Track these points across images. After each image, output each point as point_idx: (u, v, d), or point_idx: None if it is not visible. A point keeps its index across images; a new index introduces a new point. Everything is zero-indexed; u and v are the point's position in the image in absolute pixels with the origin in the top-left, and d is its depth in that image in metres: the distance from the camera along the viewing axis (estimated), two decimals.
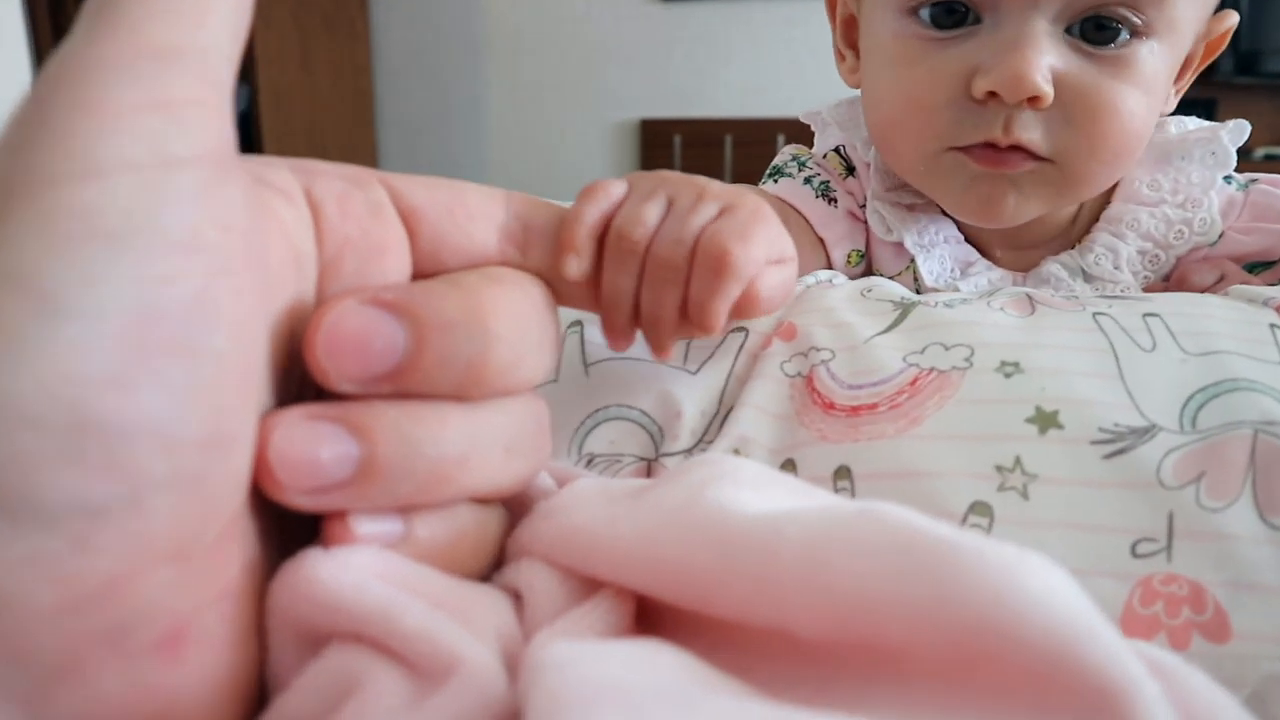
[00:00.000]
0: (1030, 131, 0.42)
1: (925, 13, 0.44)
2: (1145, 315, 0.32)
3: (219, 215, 0.16)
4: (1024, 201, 0.45)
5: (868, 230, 0.52)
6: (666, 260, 0.28)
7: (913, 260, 0.49)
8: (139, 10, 0.16)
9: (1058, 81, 0.42)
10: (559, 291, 0.25)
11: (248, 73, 2.37)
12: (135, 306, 0.14)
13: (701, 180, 0.29)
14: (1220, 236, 0.49)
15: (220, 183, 0.16)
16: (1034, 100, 0.41)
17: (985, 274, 0.49)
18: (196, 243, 0.15)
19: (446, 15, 2.84)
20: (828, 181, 0.53)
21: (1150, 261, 0.49)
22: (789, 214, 0.51)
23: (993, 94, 0.42)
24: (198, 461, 0.15)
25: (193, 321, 0.15)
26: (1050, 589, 0.16)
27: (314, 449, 0.17)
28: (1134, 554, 0.26)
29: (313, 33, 2.60)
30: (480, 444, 0.20)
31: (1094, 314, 0.33)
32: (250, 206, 0.17)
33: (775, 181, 0.53)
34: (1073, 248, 0.50)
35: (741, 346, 0.34)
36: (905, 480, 0.28)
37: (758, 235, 0.28)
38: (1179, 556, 0.26)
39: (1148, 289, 0.49)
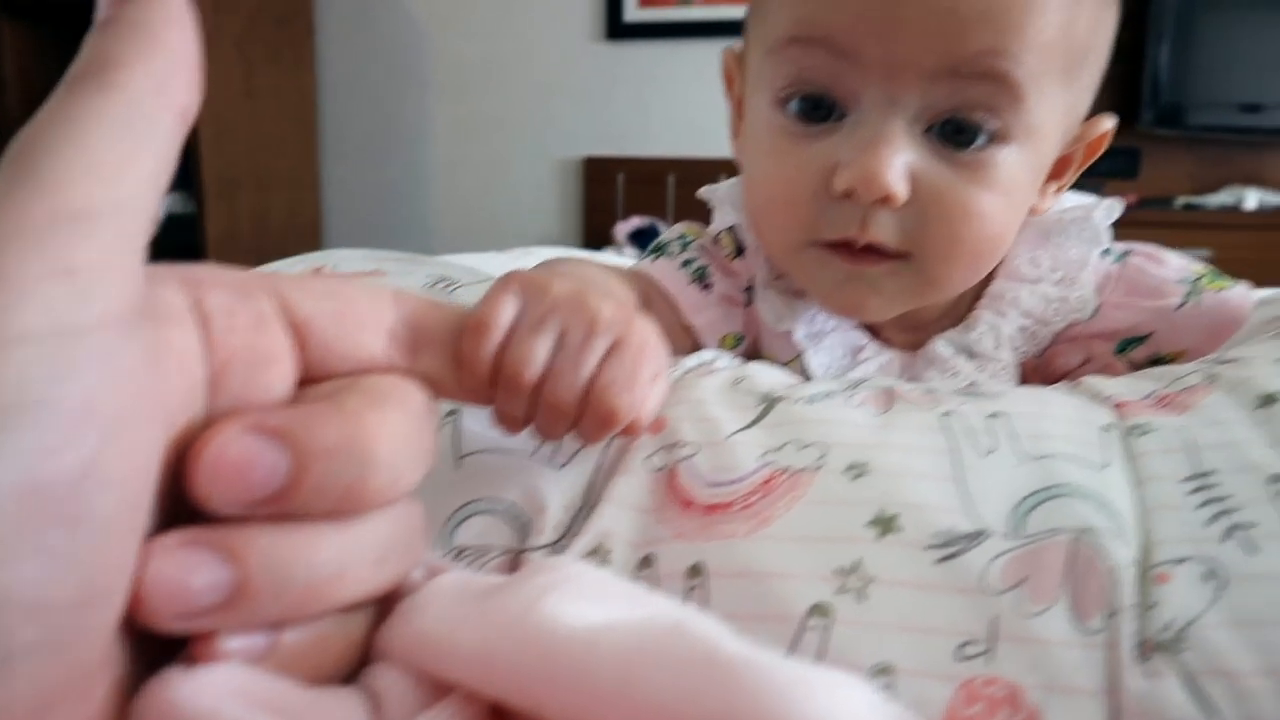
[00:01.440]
0: (884, 231, 0.44)
1: (793, 105, 0.45)
2: (990, 416, 0.34)
3: (117, 378, 0.16)
4: (886, 303, 0.47)
5: (753, 314, 0.53)
6: (556, 404, 0.29)
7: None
8: (55, 170, 0.16)
9: (914, 181, 0.43)
10: (449, 392, 0.25)
11: None
12: (23, 481, 0.14)
13: (592, 304, 0.30)
14: (1096, 311, 0.51)
15: (121, 344, 0.16)
16: (887, 200, 0.42)
17: (876, 359, 0.51)
18: (91, 410, 0.15)
19: (392, 47, 2.85)
20: (705, 267, 0.53)
21: (1029, 337, 0.51)
22: (657, 296, 0.52)
23: (851, 191, 0.43)
24: (68, 622, 0.15)
25: (81, 489, 0.15)
26: (831, 710, 0.17)
27: (186, 577, 0.17)
28: (959, 656, 0.28)
29: (257, 62, 2.59)
30: (352, 560, 0.20)
31: (942, 414, 0.34)
32: (150, 354, 0.17)
33: (654, 259, 0.54)
34: (959, 324, 0.52)
35: (611, 439, 0.35)
36: (752, 580, 0.30)
37: (645, 371, 0.30)
38: (1000, 659, 0.27)
39: (1023, 364, 0.51)
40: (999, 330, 0.50)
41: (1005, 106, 0.42)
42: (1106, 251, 0.52)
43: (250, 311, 0.21)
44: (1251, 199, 2.28)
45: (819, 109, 0.44)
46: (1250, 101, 2.36)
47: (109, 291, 0.16)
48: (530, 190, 2.84)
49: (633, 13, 2.69)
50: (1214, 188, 2.43)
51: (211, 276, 0.21)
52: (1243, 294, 0.52)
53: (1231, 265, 1.99)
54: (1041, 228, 0.52)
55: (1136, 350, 0.52)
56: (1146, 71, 2.36)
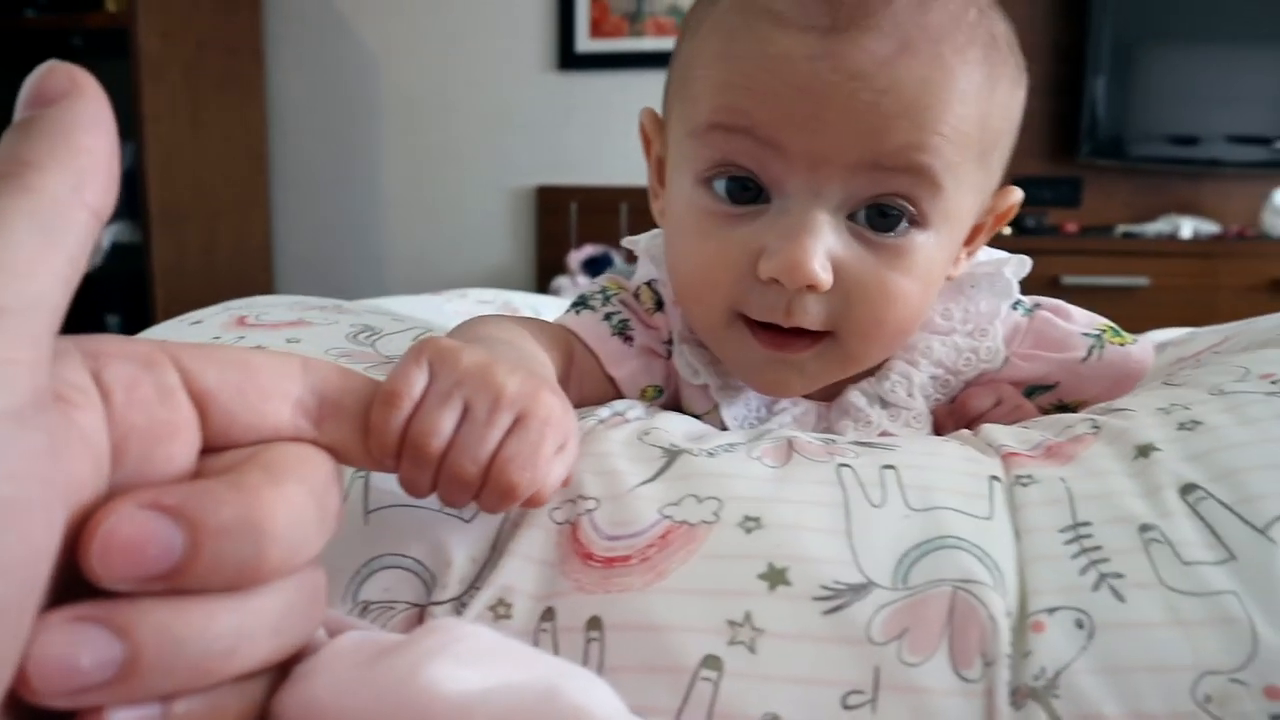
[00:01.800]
0: (809, 316, 0.45)
1: (719, 185, 0.45)
2: (883, 467, 0.35)
3: (15, 468, 0.16)
4: (809, 381, 0.48)
5: (672, 366, 0.54)
6: (459, 476, 0.30)
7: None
8: None
9: (837, 267, 0.44)
10: (356, 461, 0.26)
11: (134, 131, 2.33)
12: None
13: (499, 378, 0.30)
14: (1005, 361, 0.53)
15: (19, 433, 0.16)
16: (812, 287, 0.43)
17: (791, 410, 0.52)
18: None
19: (345, 77, 2.85)
20: (627, 320, 0.54)
21: (941, 386, 0.53)
22: (580, 348, 0.52)
23: (776, 279, 0.44)
24: None
25: None
26: None
27: (74, 655, 0.17)
28: (844, 705, 0.28)
29: (204, 91, 2.58)
30: (248, 632, 0.20)
31: (839, 465, 0.35)
32: (52, 439, 0.17)
33: (578, 312, 0.54)
34: (873, 374, 0.53)
35: None
36: (647, 633, 0.30)
37: (547, 446, 0.31)
38: (883, 708, 0.28)
39: (935, 410, 0.53)
40: (911, 379, 0.51)
41: (925, 196, 0.44)
42: (1016, 305, 0.54)
43: (152, 384, 0.21)
44: (1187, 228, 2.34)
45: (746, 190, 0.45)
46: (1185, 134, 2.43)
47: (14, 385, 0.16)
48: (483, 219, 2.84)
49: (584, 43, 2.72)
50: (1152, 217, 2.50)
51: (113, 348, 0.21)
52: (1143, 348, 0.54)
53: (1168, 292, 2.04)
54: (954, 281, 0.53)
55: (1042, 397, 0.54)
56: (1085, 105, 2.42)
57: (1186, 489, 0.33)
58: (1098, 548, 0.31)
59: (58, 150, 0.18)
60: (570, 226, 2.74)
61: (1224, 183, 2.51)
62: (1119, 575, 0.30)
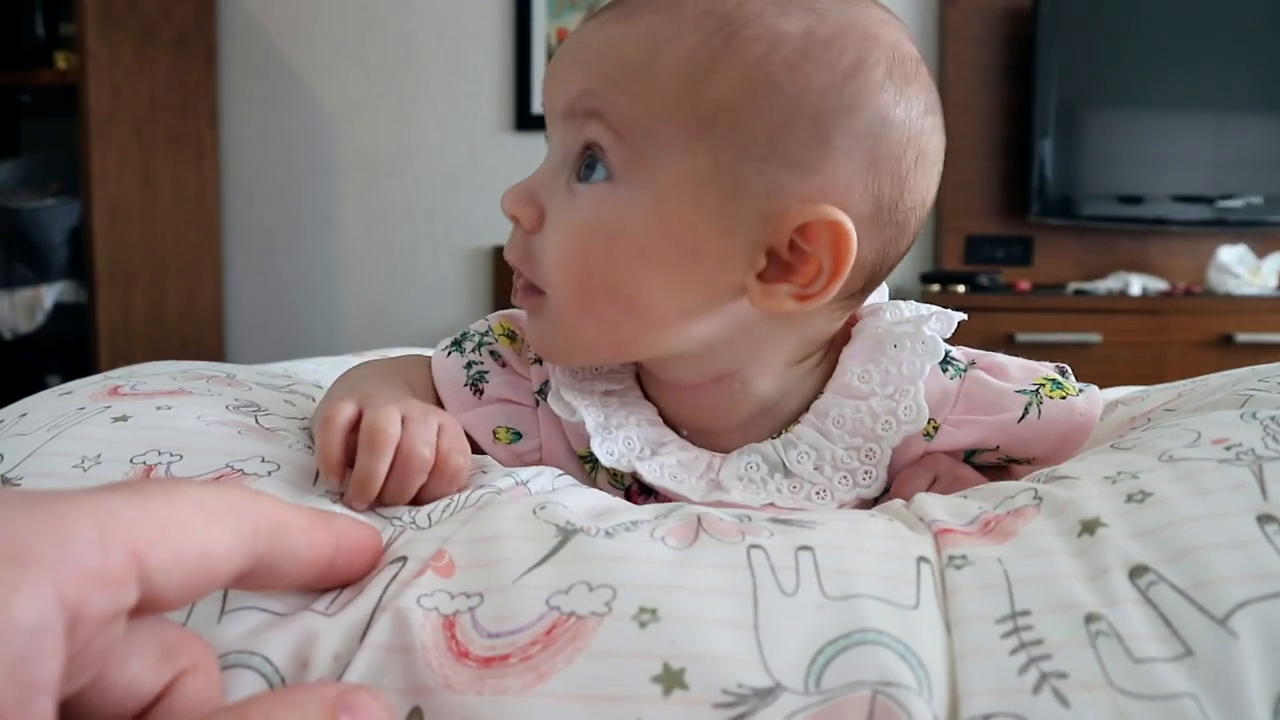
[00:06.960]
0: (511, 248, 0.48)
1: None
2: (799, 548, 0.31)
3: None
4: (538, 336, 0.49)
5: (538, 414, 0.53)
6: (416, 458, 0.39)
7: None
8: None
9: (544, 214, 0.46)
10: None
11: (81, 188, 2.28)
12: None
13: (416, 401, 0.44)
14: (936, 429, 0.49)
15: None
16: (516, 220, 0.47)
17: (676, 453, 0.48)
18: None
19: (299, 136, 2.81)
20: (485, 371, 0.54)
21: (866, 456, 0.48)
22: (433, 388, 0.54)
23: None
24: None
25: None
26: None
27: None
28: None
29: (156, 149, 2.53)
30: None
31: (749, 547, 0.31)
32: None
33: (448, 352, 0.55)
34: (779, 435, 0.48)
35: (395, 577, 0.32)
36: None
37: (465, 444, 0.42)
38: None
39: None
40: (820, 453, 0.47)
41: (609, 145, 0.44)
42: (947, 365, 0.50)
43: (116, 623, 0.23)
44: (1136, 285, 2.35)
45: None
46: (1132, 193, 2.46)
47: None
48: (439, 279, 2.80)
49: (541, 104, 2.71)
50: (1102, 274, 2.51)
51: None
52: (1089, 399, 0.49)
53: (1119, 349, 2.03)
54: (875, 339, 0.49)
55: (985, 455, 0.50)
56: (1034, 165, 2.44)
57: (1136, 571, 0.29)
58: (1038, 641, 0.27)
59: None
60: None
61: (1170, 241, 2.54)
62: (1062, 675, 0.26)
